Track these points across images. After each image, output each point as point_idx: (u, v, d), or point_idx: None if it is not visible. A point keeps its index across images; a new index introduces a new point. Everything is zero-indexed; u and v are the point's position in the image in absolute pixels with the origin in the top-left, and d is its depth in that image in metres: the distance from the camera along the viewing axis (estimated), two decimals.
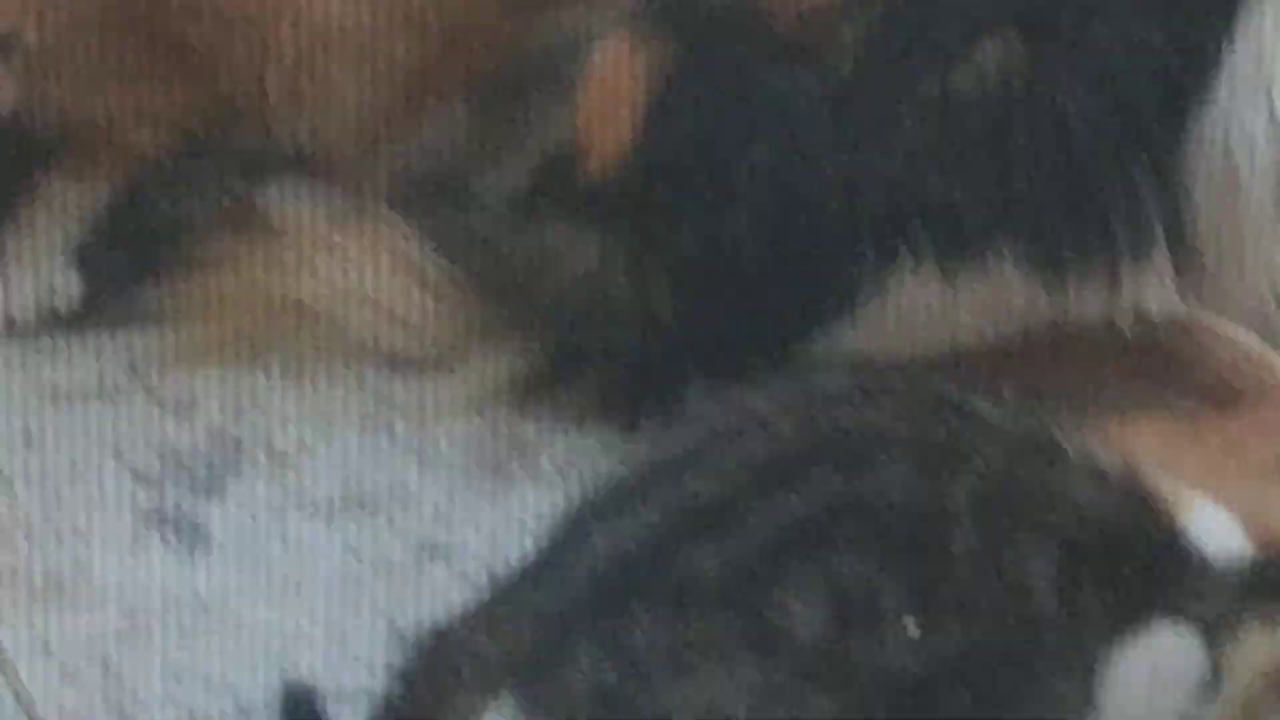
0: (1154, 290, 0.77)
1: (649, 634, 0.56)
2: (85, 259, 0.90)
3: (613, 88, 0.77)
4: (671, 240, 0.77)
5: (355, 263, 0.79)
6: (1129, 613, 0.57)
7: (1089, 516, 0.58)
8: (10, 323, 0.88)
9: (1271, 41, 0.75)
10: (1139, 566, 0.58)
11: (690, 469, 0.60)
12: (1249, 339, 0.82)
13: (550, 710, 0.58)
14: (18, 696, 0.73)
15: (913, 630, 0.56)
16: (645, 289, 0.78)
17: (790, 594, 0.56)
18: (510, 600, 0.62)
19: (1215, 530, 0.60)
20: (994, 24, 0.75)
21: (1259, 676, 0.59)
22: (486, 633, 0.60)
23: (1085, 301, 0.77)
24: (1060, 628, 0.57)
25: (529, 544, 0.67)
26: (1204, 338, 0.81)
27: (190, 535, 0.82)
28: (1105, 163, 0.76)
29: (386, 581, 0.78)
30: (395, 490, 0.82)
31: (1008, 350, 0.80)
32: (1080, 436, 0.60)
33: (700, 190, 0.75)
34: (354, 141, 0.85)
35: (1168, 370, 0.81)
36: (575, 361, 0.79)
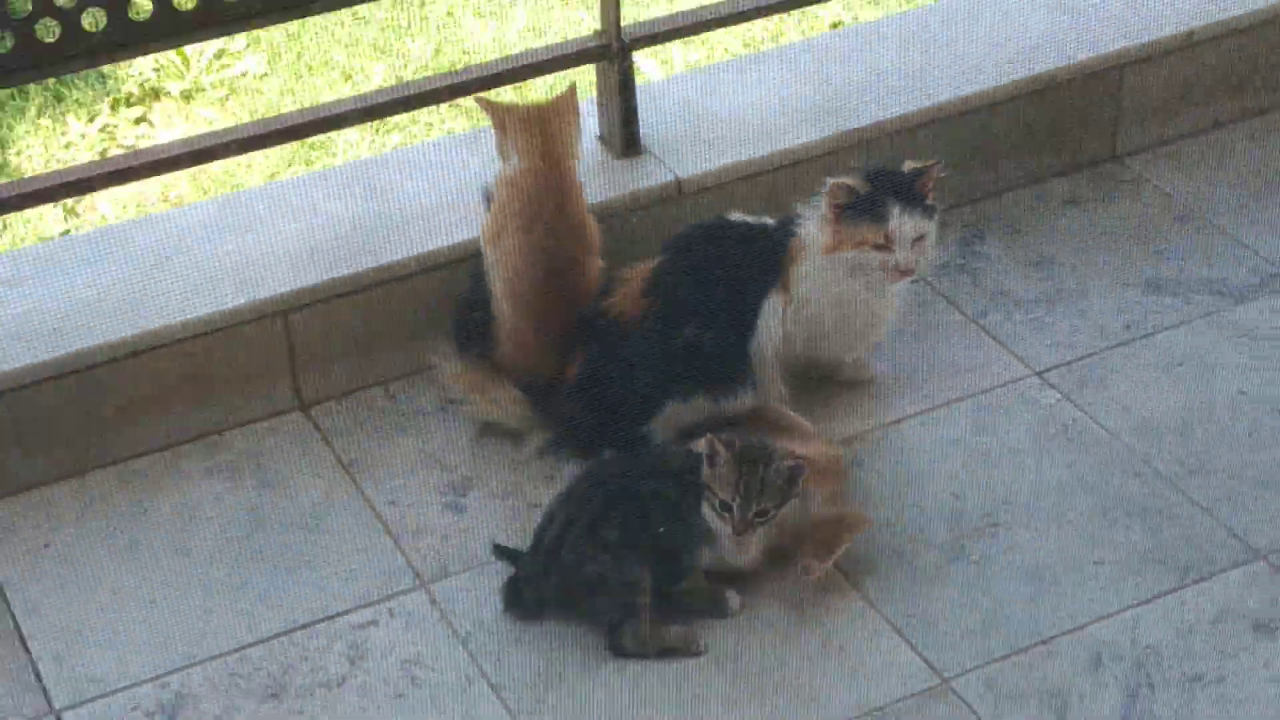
0: (750, 399, 2.01)
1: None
2: None
3: None
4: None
5: None
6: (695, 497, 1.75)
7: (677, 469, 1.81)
8: None
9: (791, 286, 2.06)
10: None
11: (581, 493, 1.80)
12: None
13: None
14: None
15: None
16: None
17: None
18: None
19: None
20: (692, 315, 2.04)
21: None
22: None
23: (734, 407, 2.01)
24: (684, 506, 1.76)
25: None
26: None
27: None
28: (732, 358, 2.04)
29: None
30: None
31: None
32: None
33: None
34: None
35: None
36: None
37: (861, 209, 2.13)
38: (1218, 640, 1.85)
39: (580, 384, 2.13)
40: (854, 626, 1.87)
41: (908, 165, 2.17)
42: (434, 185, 2.26)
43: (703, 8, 2.25)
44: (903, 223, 2.11)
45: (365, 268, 2.10)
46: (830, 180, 2.12)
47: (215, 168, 2.75)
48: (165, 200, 2.90)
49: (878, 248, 2.13)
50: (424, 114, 3.01)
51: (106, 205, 2.89)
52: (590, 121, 2.32)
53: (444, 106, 2.85)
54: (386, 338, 2.14)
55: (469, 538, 1.99)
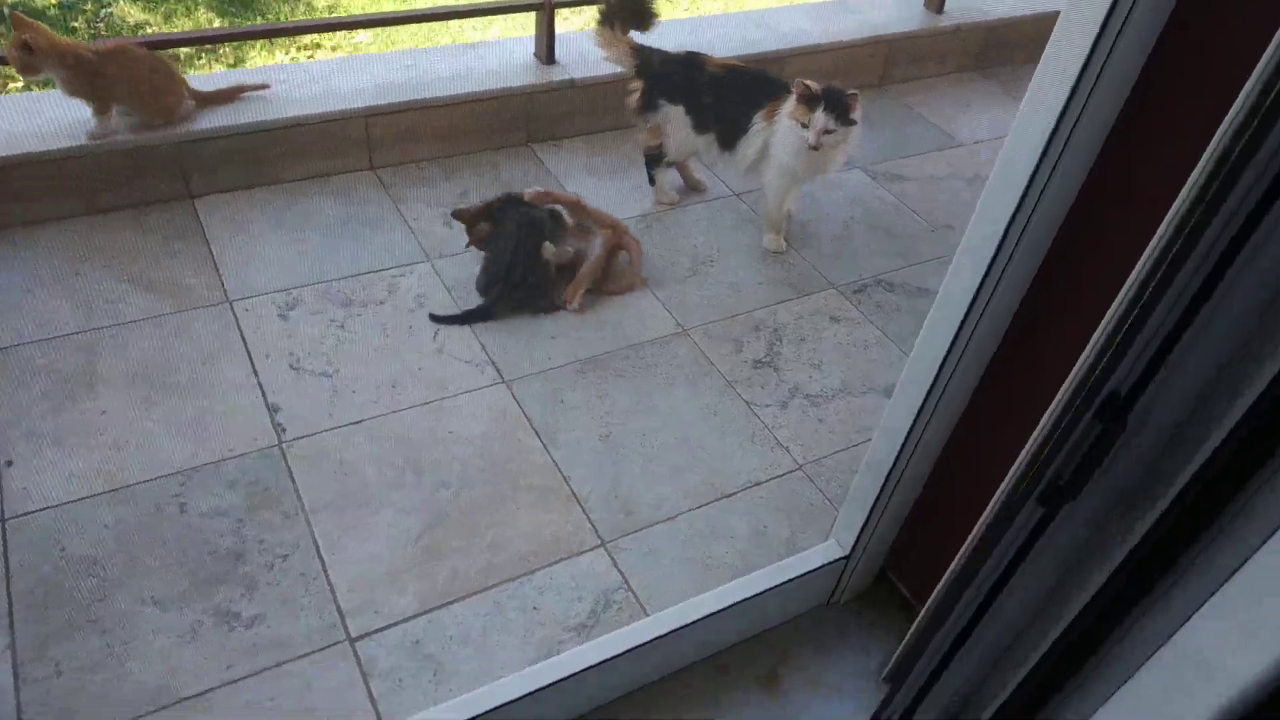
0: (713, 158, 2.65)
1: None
2: None
3: None
4: None
5: None
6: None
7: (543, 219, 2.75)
8: None
9: None
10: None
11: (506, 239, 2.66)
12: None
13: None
14: None
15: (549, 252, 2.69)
16: None
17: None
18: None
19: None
20: (730, 94, 2.71)
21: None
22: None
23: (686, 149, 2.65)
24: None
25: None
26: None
27: None
28: (730, 132, 2.66)
29: None
30: None
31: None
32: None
33: None
34: None
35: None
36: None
37: (807, 100, 2.57)
38: (813, 324, 2.71)
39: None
40: (644, 303, 2.73)
41: (850, 89, 2.56)
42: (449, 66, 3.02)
43: None
44: (818, 118, 2.56)
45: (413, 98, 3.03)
46: (799, 79, 2.61)
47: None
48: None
49: (803, 125, 2.59)
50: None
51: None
52: (529, 45, 3.00)
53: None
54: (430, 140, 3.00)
55: (454, 241, 2.83)
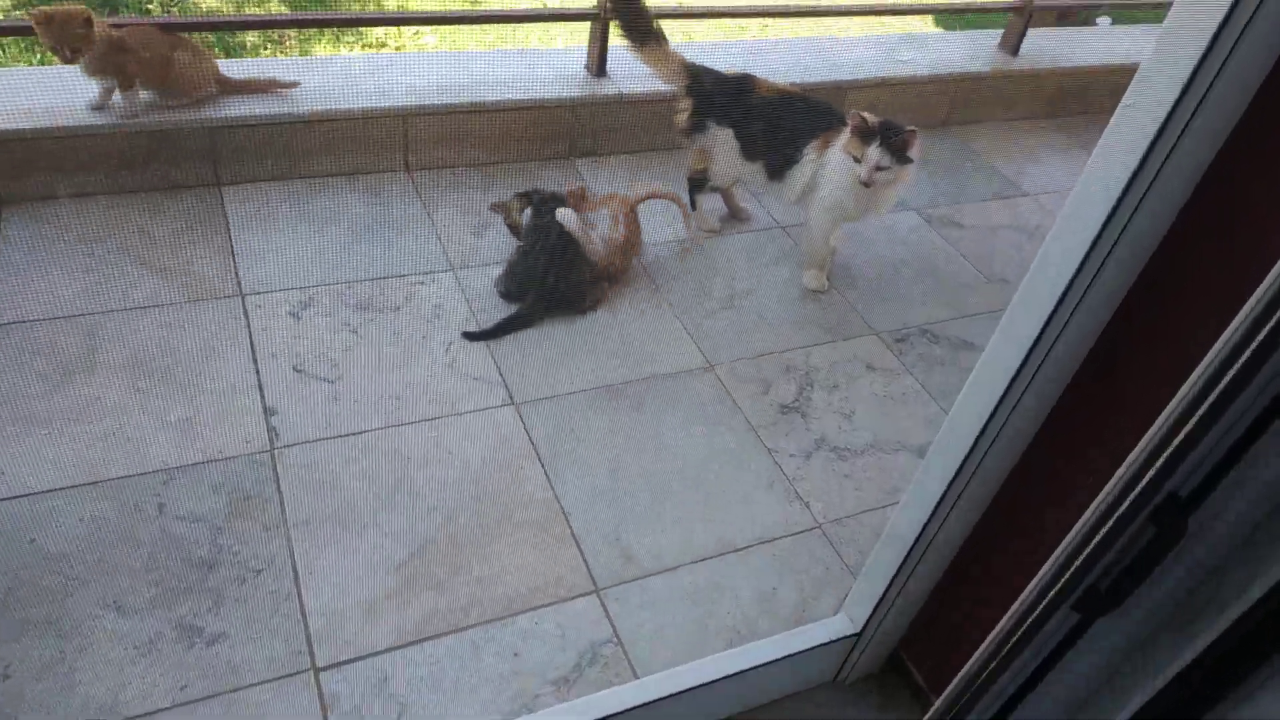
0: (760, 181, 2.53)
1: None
2: None
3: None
4: None
5: None
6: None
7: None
8: None
9: None
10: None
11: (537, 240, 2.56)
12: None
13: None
14: None
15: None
16: None
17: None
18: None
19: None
20: (785, 120, 2.70)
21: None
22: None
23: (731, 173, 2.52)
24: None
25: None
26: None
27: None
28: (780, 159, 2.55)
29: None
30: None
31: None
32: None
33: None
34: None
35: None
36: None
37: (861, 133, 2.43)
38: (848, 370, 2.54)
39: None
40: (670, 333, 2.54)
41: (908, 126, 2.42)
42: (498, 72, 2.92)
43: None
44: (872, 153, 2.42)
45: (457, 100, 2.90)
46: (854, 110, 2.48)
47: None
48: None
49: (855, 160, 2.45)
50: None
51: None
52: (583, 55, 2.88)
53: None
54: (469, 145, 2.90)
55: (481, 252, 2.70)
